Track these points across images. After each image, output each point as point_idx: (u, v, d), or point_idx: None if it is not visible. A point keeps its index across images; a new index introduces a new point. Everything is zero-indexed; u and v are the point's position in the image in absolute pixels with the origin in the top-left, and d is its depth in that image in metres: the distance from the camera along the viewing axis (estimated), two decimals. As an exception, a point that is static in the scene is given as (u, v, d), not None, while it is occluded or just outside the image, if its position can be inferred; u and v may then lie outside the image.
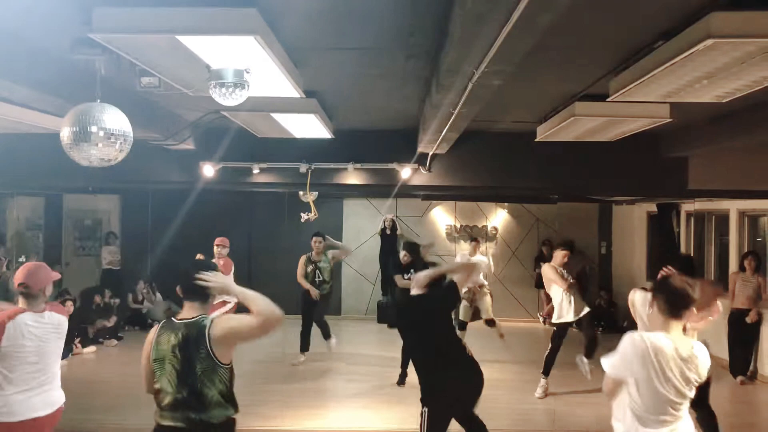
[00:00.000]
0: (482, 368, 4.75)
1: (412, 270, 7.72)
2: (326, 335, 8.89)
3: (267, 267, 12.56)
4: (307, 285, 8.76)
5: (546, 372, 7.51)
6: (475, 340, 9.60)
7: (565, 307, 7.26)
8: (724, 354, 8.64)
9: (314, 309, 8.81)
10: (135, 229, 12.48)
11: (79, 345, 9.65)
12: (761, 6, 2.69)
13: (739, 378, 8.35)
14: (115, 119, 3.42)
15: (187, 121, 6.14)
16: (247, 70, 3.31)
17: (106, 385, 8.07)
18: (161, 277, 12.27)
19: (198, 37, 2.96)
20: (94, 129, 3.34)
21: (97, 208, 12.39)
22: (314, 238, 8.99)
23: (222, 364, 3.06)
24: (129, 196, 12.58)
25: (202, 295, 3.15)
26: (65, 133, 3.38)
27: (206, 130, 6.50)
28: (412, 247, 7.96)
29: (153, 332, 3.16)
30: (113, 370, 8.99)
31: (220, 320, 3.10)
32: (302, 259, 8.93)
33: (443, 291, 4.60)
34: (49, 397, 3.71)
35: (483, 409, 7.28)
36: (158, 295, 12.47)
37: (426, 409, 4.48)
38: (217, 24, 2.85)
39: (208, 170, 6.77)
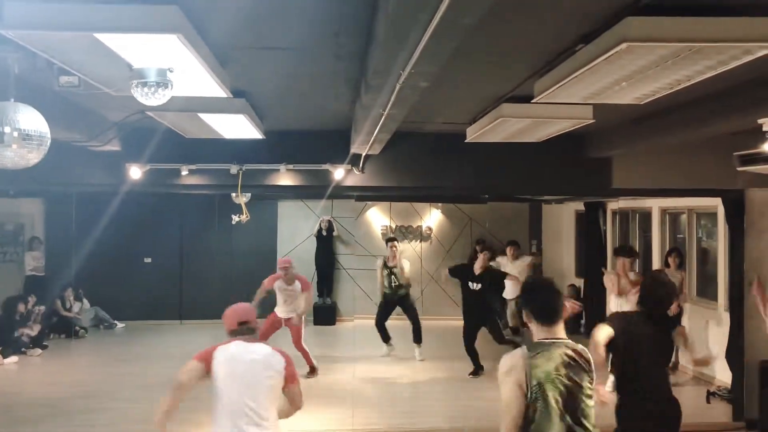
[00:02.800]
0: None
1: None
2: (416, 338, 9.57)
3: (199, 269, 12.35)
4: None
5: None
6: (406, 337, 9.68)
7: None
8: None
9: (390, 311, 9.58)
10: (60, 233, 12.02)
11: (-1, 355, 9.24)
12: (672, 12, 2.80)
13: (662, 369, 8.67)
14: (30, 119, 3.28)
15: (111, 121, 5.96)
16: (171, 69, 3.23)
17: (30, 397, 7.75)
18: (89, 282, 11.90)
19: (118, 35, 2.86)
20: (8, 130, 3.20)
21: (18, 212, 11.87)
22: (390, 243, 9.71)
23: None
24: (53, 200, 12.11)
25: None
26: (-24, 135, 3.22)
27: (132, 131, 6.32)
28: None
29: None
30: (38, 381, 8.65)
31: None
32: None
33: None
34: None
35: (421, 407, 7.39)
36: (85, 301, 12.07)
37: None
38: (137, 21, 2.76)
39: (135, 172, 6.58)
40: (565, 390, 2.90)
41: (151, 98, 3.31)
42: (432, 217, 13.45)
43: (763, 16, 2.83)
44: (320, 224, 12.87)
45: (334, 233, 13.08)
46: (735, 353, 7.02)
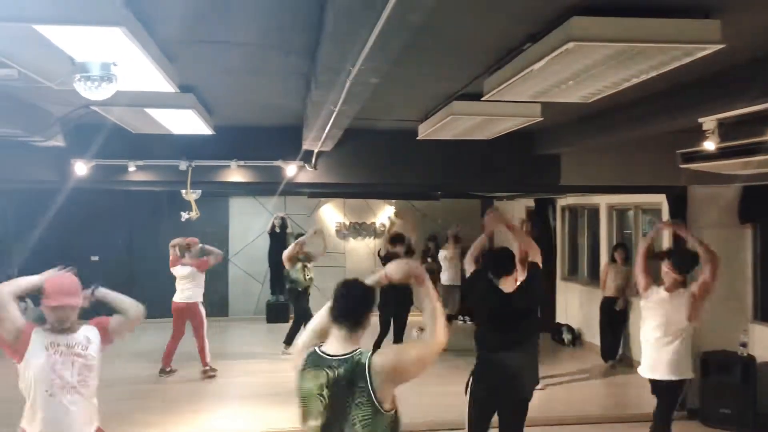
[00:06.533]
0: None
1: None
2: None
3: (149, 268, 12.10)
4: None
5: None
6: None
7: None
8: (597, 340, 9.18)
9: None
10: None
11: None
12: (617, 13, 2.86)
13: (609, 362, 8.90)
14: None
15: (55, 116, 5.79)
16: (115, 63, 3.16)
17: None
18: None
19: (58, 27, 2.77)
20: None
21: (-44, 210, 11.45)
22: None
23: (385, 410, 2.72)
24: (-8, 197, 11.70)
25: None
26: None
27: (77, 126, 6.16)
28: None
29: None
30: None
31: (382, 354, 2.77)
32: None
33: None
34: None
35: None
36: (29, 301, 11.68)
37: None
38: (78, 13, 2.67)
39: (80, 168, 6.41)
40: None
41: (94, 93, 3.23)
42: (386, 214, 13.47)
43: (702, 18, 2.92)
44: (274, 221, 12.76)
45: (288, 230, 12.98)
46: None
